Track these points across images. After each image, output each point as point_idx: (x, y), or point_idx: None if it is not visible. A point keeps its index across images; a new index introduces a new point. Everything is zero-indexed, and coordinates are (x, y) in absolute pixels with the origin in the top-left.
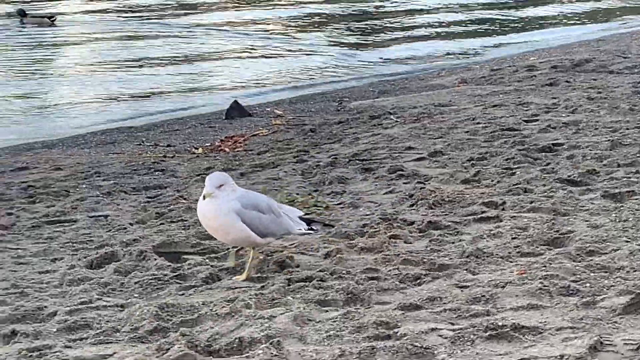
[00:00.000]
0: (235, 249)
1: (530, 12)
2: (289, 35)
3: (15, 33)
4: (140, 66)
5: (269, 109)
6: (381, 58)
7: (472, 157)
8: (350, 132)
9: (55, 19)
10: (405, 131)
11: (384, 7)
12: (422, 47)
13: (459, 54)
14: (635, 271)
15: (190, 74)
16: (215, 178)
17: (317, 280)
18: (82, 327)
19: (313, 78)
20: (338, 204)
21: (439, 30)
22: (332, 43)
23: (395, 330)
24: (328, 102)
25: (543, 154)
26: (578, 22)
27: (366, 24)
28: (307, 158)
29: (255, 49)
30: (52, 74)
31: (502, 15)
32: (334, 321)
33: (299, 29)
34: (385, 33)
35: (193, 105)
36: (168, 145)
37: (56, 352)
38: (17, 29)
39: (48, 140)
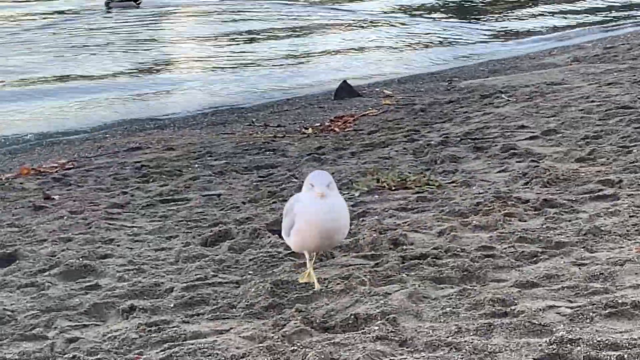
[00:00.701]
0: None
1: None
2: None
3: (104, 17)
4: (247, 40)
5: (378, 89)
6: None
7: (586, 135)
8: (461, 111)
9: (140, 2)
10: (518, 110)
11: None
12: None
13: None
14: None
15: (298, 53)
16: (324, 176)
17: (432, 258)
18: (198, 303)
19: (423, 57)
20: (450, 183)
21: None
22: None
23: (512, 307)
24: (437, 82)
25: None
26: None
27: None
28: (418, 137)
29: (364, 27)
30: (154, 52)
31: None
32: (450, 298)
33: (409, 10)
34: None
35: (301, 85)
36: (278, 126)
37: (174, 327)
38: (105, 14)
39: (160, 120)
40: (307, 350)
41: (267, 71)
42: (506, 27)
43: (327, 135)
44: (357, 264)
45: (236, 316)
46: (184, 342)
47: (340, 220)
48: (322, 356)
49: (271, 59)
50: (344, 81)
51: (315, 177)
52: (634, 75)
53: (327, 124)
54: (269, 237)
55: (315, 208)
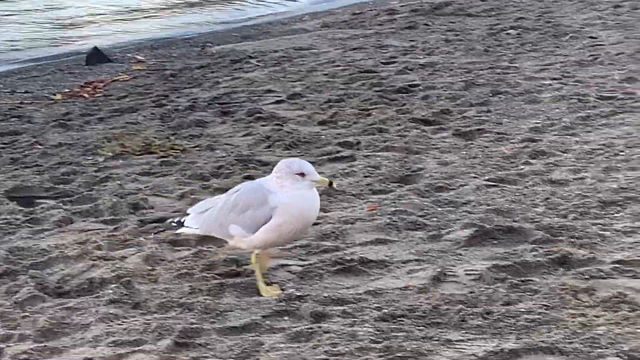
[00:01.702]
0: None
1: None
2: None
3: None
4: None
5: (130, 55)
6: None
7: (330, 99)
8: (211, 76)
9: None
10: (266, 75)
11: None
12: None
13: None
14: (480, 205)
15: (50, 18)
16: (308, 164)
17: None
18: None
19: (177, 22)
20: (195, 147)
21: None
22: None
23: (245, 267)
24: (190, 47)
25: (399, 95)
26: None
27: None
28: (167, 102)
29: None
30: None
31: None
32: (185, 260)
33: None
34: None
35: (50, 51)
36: (25, 92)
37: None
38: None
39: None
40: (38, 315)
41: (14, 36)
42: None
43: (76, 101)
44: (96, 229)
45: None
46: None
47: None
48: (54, 321)
49: (19, 24)
50: (95, 47)
51: (303, 165)
52: (379, 41)
53: (76, 89)
54: (7, 203)
55: (310, 200)
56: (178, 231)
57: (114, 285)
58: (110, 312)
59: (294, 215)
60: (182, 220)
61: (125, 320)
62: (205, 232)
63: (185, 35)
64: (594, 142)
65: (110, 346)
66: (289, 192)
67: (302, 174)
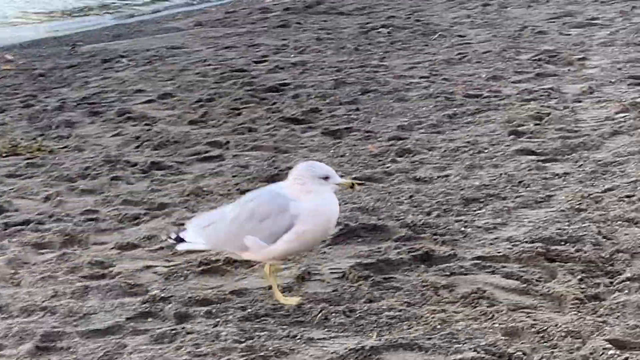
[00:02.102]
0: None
1: None
2: None
3: None
4: None
5: None
6: None
7: (200, 98)
8: (81, 76)
9: None
10: (136, 74)
11: None
12: None
13: None
14: (346, 203)
15: None
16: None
17: (35, 224)
18: None
19: (48, 20)
20: (63, 148)
21: None
22: None
23: (110, 269)
24: (61, 46)
25: (270, 94)
26: None
27: None
28: (35, 103)
29: None
30: None
31: None
32: (49, 263)
33: None
34: None
35: None
36: None
37: None
38: None
39: None
40: None
41: None
42: None
43: None
44: None
45: None
46: None
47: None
48: None
49: None
50: None
51: (322, 167)
52: (251, 39)
53: None
54: None
55: (333, 205)
56: (179, 247)
57: None
58: None
59: (317, 222)
60: (179, 236)
61: None
62: (213, 247)
63: (56, 34)
64: (459, 140)
65: None
66: (312, 198)
67: (327, 178)
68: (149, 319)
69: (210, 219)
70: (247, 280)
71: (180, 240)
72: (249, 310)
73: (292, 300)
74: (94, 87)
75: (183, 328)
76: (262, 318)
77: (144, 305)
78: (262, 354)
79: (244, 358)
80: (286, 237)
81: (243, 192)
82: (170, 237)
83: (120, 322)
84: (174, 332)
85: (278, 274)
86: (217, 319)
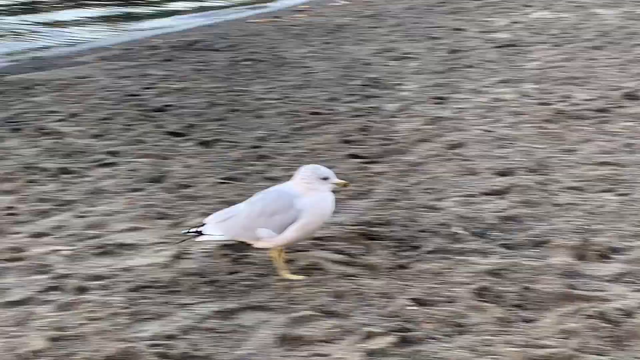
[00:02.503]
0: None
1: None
2: None
3: None
4: None
5: None
6: None
7: (101, 117)
8: (5, 100)
9: None
10: (51, 98)
11: None
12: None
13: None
14: (214, 198)
15: None
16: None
17: None
18: None
19: None
20: None
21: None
22: None
23: (25, 253)
24: None
25: (156, 113)
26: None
27: None
28: None
29: None
30: None
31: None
32: None
33: None
34: None
35: None
36: None
37: None
38: None
39: None
40: None
41: None
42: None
43: None
44: None
45: None
46: None
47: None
48: None
49: None
50: None
51: (324, 170)
52: (143, 70)
53: None
54: None
55: (329, 201)
56: (199, 239)
57: None
58: None
59: (317, 215)
60: (198, 230)
61: None
62: (231, 238)
63: None
64: (303, 147)
65: None
66: (313, 195)
67: (326, 178)
68: (54, 292)
69: (226, 215)
70: (134, 260)
71: (200, 233)
72: (135, 283)
73: (296, 277)
74: (16, 109)
75: (81, 298)
76: (144, 289)
77: (50, 281)
78: (144, 316)
79: (129, 320)
80: (293, 228)
81: (133, 190)
82: (190, 232)
83: (31, 295)
84: (74, 302)
85: (156, 254)
86: (109, 291)
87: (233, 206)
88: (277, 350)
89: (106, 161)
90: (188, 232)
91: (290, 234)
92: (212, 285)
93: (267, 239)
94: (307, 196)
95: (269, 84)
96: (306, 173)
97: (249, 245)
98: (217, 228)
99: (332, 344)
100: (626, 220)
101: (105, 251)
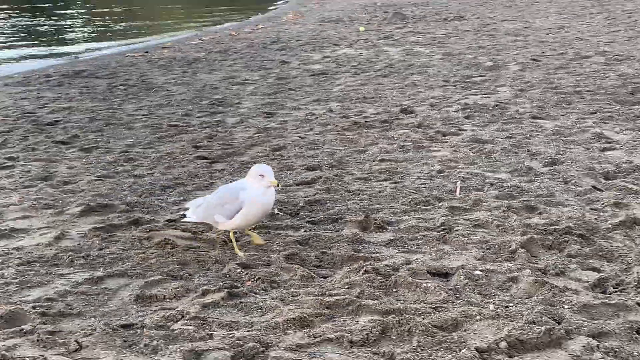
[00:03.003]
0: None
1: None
2: None
3: None
4: None
5: None
6: None
7: (2, 131)
8: None
9: None
10: None
11: None
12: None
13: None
14: (90, 191)
15: None
16: (269, 168)
17: None
18: None
19: None
20: None
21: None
22: None
23: None
24: None
25: (48, 126)
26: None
27: None
28: None
29: None
30: None
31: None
32: None
33: None
34: None
35: None
36: None
37: None
38: None
39: None
40: None
41: None
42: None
43: None
44: None
45: None
46: None
47: (272, 205)
48: None
49: None
50: None
51: (264, 169)
52: (38, 94)
53: None
54: None
55: (267, 196)
56: (183, 220)
57: None
58: None
59: (256, 205)
60: (184, 213)
61: None
62: (201, 220)
63: None
64: (163, 151)
65: None
66: (254, 190)
67: (262, 176)
68: None
69: (198, 203)
70: (24, 241)
71: (184, 215)
72: (23, 259)
73: (242, 253)
74: None
75: None
76: (31, 264)
77: None
78: (29, 285)
79: (17, 287)
80: (237, 216)
81: (24, 187)
82: (181, 213)
83: None
84: None
85: (42, 236)
86: (2, 265)
87: (205, 196)
88: (134, 306)
89: (5, 165)
90: (180, 214)
91: (236, 220)
92: (85, 259)
93: (222, 223)
94: (250, 190)
95: (139, 103)
96: (251, 171)
97: (212, 227)
98: (192, 212)
99: (177, 300)
100: (398, 201)
101: (1, 234)
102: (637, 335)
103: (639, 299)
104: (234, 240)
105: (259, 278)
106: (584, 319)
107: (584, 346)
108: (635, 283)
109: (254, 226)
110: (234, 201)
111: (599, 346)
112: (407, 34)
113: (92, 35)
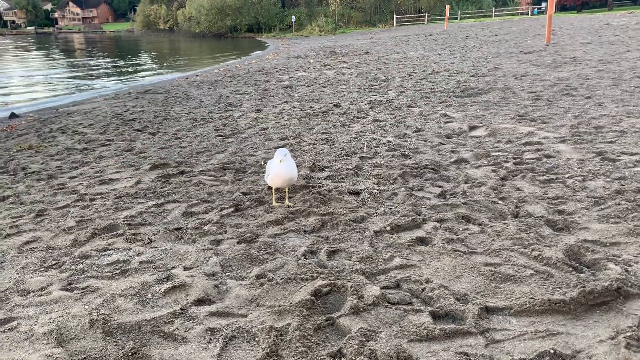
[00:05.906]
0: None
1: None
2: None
3: None
4: None
5: None
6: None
7: (104, 126)
8: None
9: None
10: None
11: None
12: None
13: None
14: (155, 156)
15: None
16: (283, 151)
17: None
18: None
19: None
20: None
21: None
22: None
23: None
24: None
25: (131, 121)
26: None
27: None
28: None
29: None
30: None
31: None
32: None
33: None
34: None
35: None
36: None
37: None
38: None
39: None
40: None
41: None
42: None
43: None
44: None
45: None
46: None
47: (291, 173)
48: None
49: None
50: None
51: (279, 151)
52: (125, 102)
53: None
54: None
55: (280, 168)
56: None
57: None
58: None
59: (273, 172)
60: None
61: None
62: (266, 179)
63: None
64: (197, 133)
65: None
66: (274, 164)
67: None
68: None
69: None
70: (117, 185)
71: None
72: (117, 195)
73: (276, 204)
74: None
75: None
76: (122, 197)
77: None
78: (120, 209)
79: (114, 211)
80: (268, 179)
81: (117, 155)
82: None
83: None
84: None
85: None
86: (105, 199)
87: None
88: (182, 218)
89: (105, 143)
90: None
91: (267, 180)
92: (153, 194)
93: (267, 181)
94: (273, 163)
95: (182, 106)
96: (276, 152)
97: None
98: (266, 174)
99: (205, 213)
100: (331, 155)
101: (104, 182)
102: (462, 220)
103: (463, 201)
104: (273, 194)
105: (253, 200)
106: (433, 212)
107: (433, 227)
108: (461, 193)
109: (286, 188)
110: (267, 170)
111: (441, 226)
112: (338, 63)
113: (153, 69)
